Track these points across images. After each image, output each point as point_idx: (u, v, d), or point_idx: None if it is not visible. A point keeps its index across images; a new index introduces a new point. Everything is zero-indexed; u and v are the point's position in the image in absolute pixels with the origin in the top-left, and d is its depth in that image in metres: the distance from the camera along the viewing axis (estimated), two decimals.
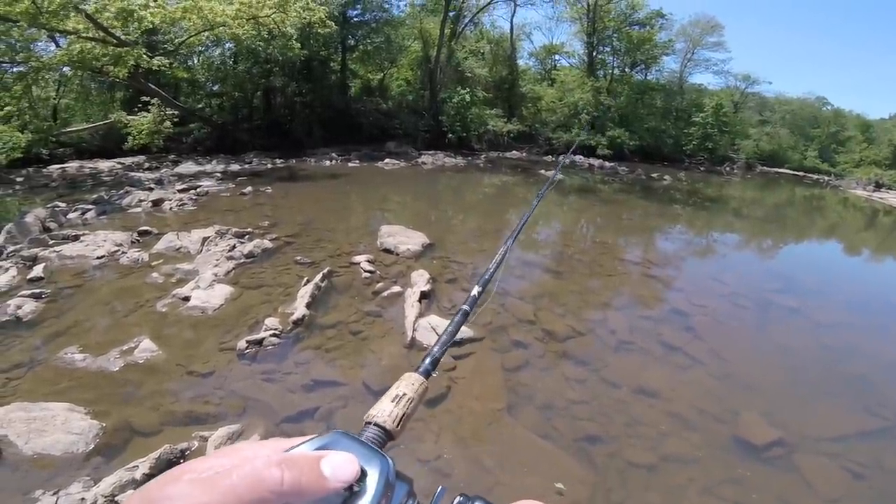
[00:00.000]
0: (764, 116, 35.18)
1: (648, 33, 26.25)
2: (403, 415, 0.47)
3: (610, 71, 28.18)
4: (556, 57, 32.27)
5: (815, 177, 30.52)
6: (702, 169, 27.02)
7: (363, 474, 0.37)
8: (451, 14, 23.29)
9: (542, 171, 18.52)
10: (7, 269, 5.20)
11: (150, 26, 12.58)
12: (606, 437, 3.17)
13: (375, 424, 0.46)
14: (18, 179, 11.77)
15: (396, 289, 5.09)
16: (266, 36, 15.17)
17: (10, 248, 5.91)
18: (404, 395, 0.50)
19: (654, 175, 20.65)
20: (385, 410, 0.47)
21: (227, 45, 17.50)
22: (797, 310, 5.87)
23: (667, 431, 3.28)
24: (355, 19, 21.44)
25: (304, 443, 0.39)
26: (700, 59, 31.02)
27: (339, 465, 0.35)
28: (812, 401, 3.88)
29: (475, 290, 0.73)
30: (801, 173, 31.18)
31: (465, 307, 0.70)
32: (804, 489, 2.90)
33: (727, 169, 28.58)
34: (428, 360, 0.57)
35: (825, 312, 5.94)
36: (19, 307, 4.25)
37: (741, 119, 32.36)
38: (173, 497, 0.31)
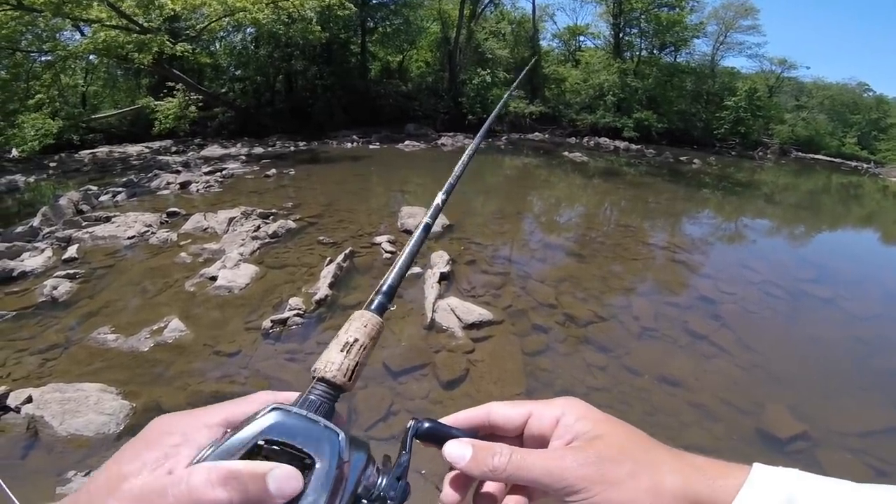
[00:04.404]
0: (800, 101, 33.55)
1: (678, 15, 25.22)
2: (356, 365, 0.43)
3: (637, 53, 27.26)
4: (581, 38, 31.35)
5: (854, 164, 29.09)
6: (733, 153, 26.05)
7: (312, 461, 0.35)
8: None
9: (566, 154, 18.18)
10: (43, 251, 5.41)
11: (172, 13, 12.74)
12: None
13: (323, 380, 0.41)
14: (52, 164, 12.17)
15: (416, 270, 5.09)
16: (286, 20, 15.16)
17: (46, 230, 6.14)
18: (356, 341, 0.44)
19: (683, 159, 20.04)
20: (334, 363, 0.42)
21: (248, 29, 17.59)
22: (830, 300, 5.65)
23: (688, 421, 3.22)
24: (374, 1, 21.24)
25: (242, 429, 0.36)
26: (733, 42, 29.64)
27: (284, 480, 0.33)
28: (841, 395, 3.75)
29: (439, 199, 0.63)
30: (838, 160, 29.74)
31: (428, 220, 0.59)
32: None
33: (760, 154, 27.50)
34: (383, 292, 0.49)
35: (860, 304, 5.69)
36: (55, 288, 4.41)
37: (776, 104, 30.96)
38: None
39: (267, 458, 0.35)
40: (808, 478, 0.38)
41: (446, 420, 0.46)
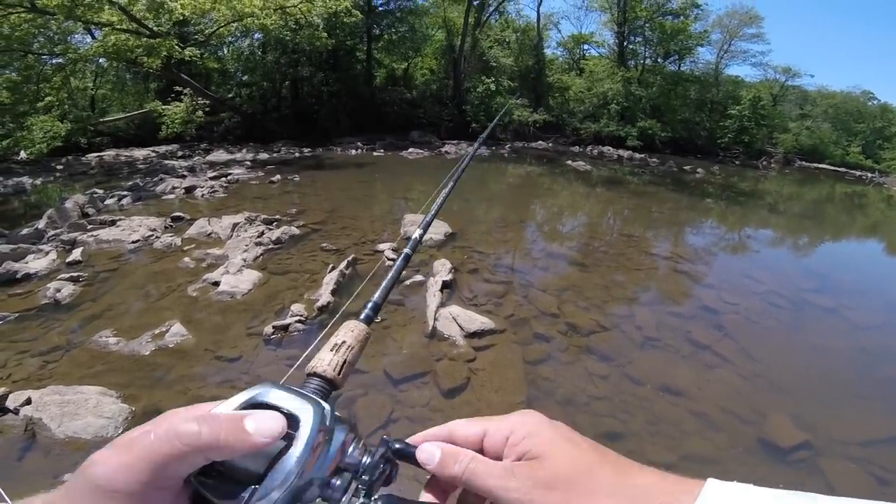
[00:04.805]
0: (804, 110, 33.57)
1: (683, 23, 25.35)
2: (344, 362, 0.47)
3: (641, 61, 27.36)
4: (585, 46, 31.52)
5: (858, 173, 29.01)
6: (737, 163, 26.03)
7: (297, 423, 0.37)
8: (475, 3, 22.99)
9: (569, 162, 18.20)
10: (48, 253, 5.44)
11: (181, 17, 12.89)
12: (627, 433, 3.12)
13: (316, 375, 0.45)
14: (59, 167, 12.28)
15: (419, 278, 5.10)
16: (293, 26, 15.32)
17: (51, 233, 6.18)
18: (344, 342, 0.49)
19: (687, 168, 20.03)
20: (325, 360, 0.46)
21: (256, 35, 17.77)
22: (834, 310, 5.62)
23: (690, 431, 3.20)
24: (380, 8, 21.43)
25: (233, 397, 0.38)
26: (737, 50, 29.82)
27: (263, 420, 0.35)
28: (844, 404, 3.73)
29: (417, 234, 0.72)
30: (842, 169, 29.68)
31: (408, 251, 0.68)
32: (826, 493, 2.80)
33: (764, 163, 27.48)
34: (369, 307, 0.56)
35: (863, 314, 5.66)
36: (58, 290, 4.44)
37: (780, 112, 31.01)
38: (97, 461, 0.32)
39: None
40: (763, 494, 0.36)
41: (411, 440, 0.46)
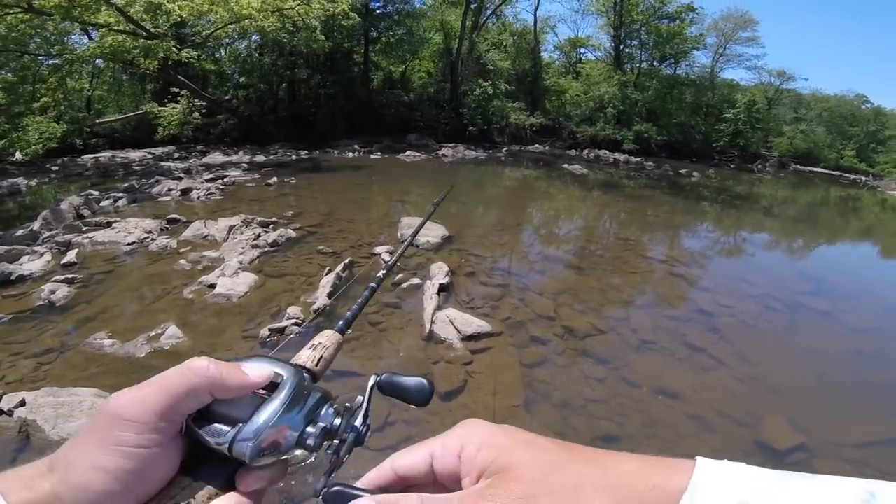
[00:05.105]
0: (799, 114, 33.85)
1: (678, 27, 25.53)
2: (321, 357, 0.53)
3: (637, 65, 27.53)
4: (582, 50, 31.69)
5: (852, 177, 29.24)
6: (732, 166, 26.19)
7: (280, 378, 0.43)
8: (472, 6, 23.09)
9: (565, 166, 18.26)
10: (42, 255, 5.41)
11: (179, 19, 12.88)
12: (623, 436, 3.12)
13: (296, 365, 0.50)
14: (54, 168, 12.23)
15: (416, 281, 5.10)
16: (291, 28, 15.34)
17: (46, 234, 6.15)
18: (321, 343, 0.55)
19: (682, 171, 20.14)
20: (304, 355, 0.52)
21: (254, 37, 17.79)
22: (828, 313, 5.66)
23: (686, 433, 3.21)
24: (378, 11, 21.48)
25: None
26: (732, 54, 30.08)
27: (256, 366, 0.43)
28: (839, 406, 3.75)
29: (381, 273, 0.80)
30: (836, 173, 29.91)
31: (373, 284, 0.76)
32: None
33: (759, 166, 27.65)
34: (342, 321, 0.63)
35: (858, 317, 5.69)
36: (53, 292, 4.41)
37: (775, 116, 31.24)
38: (118, 395, 0.36)
39: None
40: (760, 474, 0.32)
41: (359, 483, 0.43)
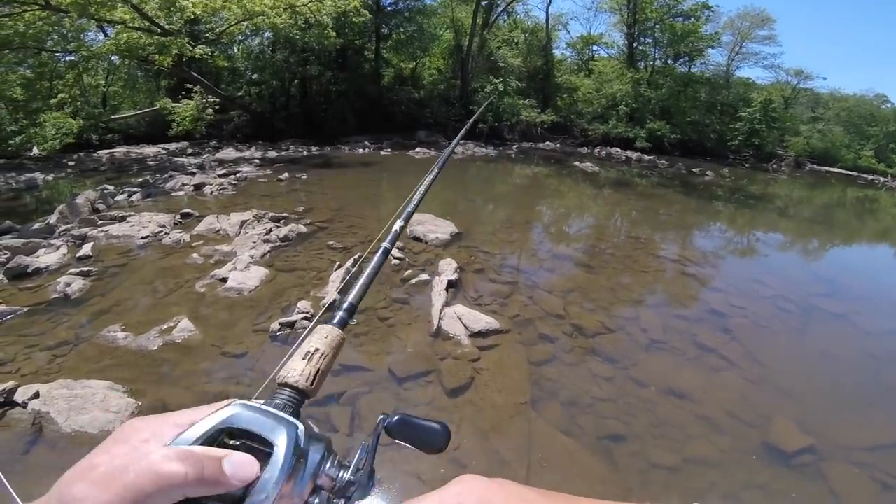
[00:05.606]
0: (816, 113, 33.12)
1: (693, 25, 25.12)
2: (317, 371, 0.45)
3: (651, 62, 27.15)
4: (594, 47, 31.35)
5: (870, 177, 28.56)
6: (746, 165, 25.77)
7: (271, 447, 0.37)
8: (483, 3, 22.95)
9: (577, 163, 18.13)
10: (58, 248, 5.51)
11: (192, 16, 13.00)
12: (630, 436, 3.11)
13: (287, 385, 0.44)
14: (70, 163, 12.41)
15: (424, 277, 5.11)
16: (303, 25, 15.38)
17: (62, 228, 6.26)
18: (317, 350, 0.47)
19: (696, 170, 19.87)
20: (296, 369, 0.45)
21: (266, 34, 17.87)
22: (843, 316, 5.56)
23: (693, 434, 3.18)
24: (389, 8, 21.49)
25: (202, 419, 0.38)
26: (748, 52, 29.50)
27: (240, 464, 0.36)
28: (850, 409, 3.69)
29: (397, 225, 0.71)
30: (854, 173, 29.24)
31: (387, 244, 0.68)
32: (828, 497, 2.79)
33: (774, 166, 27.16)
34: (344, 309, 0.53)
35: (873, 320, 5.59)
36: (68, 285, 4.49)
37: (791, 115, 30.61)
38: (78, 498, 0.32)
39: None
40: None
41: None
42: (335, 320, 0.52)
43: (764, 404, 3.56)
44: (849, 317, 5.54)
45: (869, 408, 3.73)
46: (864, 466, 3.02)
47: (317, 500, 0.38)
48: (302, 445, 0.38)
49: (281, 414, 0.40)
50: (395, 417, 0.45)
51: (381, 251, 0.65)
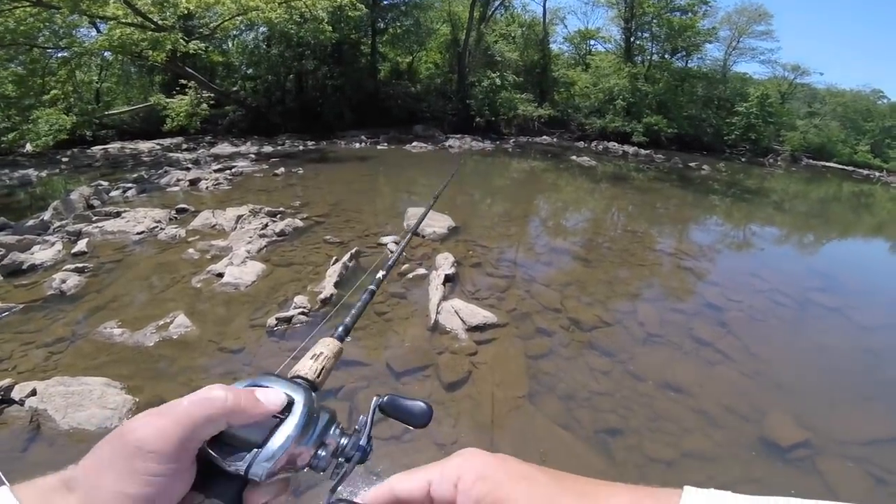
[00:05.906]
0: (813, 108, 33.19)
1: (691, 20, 25.02)
2: (322, 368, 0.56)
3: (648, 57, 27.06)
4: (592, 42, 31.20)
5: (866, 172, 28.63)
6: (743, 160, 25.79)
7: (291, 402, 0.45)
8: None
9: (574, 157, 18.12)
10: (53, 244, 5.48)
11: (186, 11, 12.88)
12: (627, 430, 3.12)
13: (299, 376, 0.54)
14: (64, 160, 12.34)
15: (421, 271, 5.11)
16: (298, 19, 15.26)
17: (57, 224, 6.22)
18: (322, 353, 0.58)
19: (692, 164, 19.90)
20: (306, 366, 0.56)
21: (261, 29, 17.74)
22: (838, 310, 5.59)
23: (690, 427, 3.20)
24: (385, 2, 21.36)
25: (238, 383, 0.47)
26: (746, 47, 29.46)
27: (270, 394, 0.45)
28: (845, 404, 3.71)
29: (380, 274, 0.87)
30: (850, 168, 29.32)
31: (372, 287, 0.82)
32: (823, 491, 2.80)
33: (770, 161, 27.20)
34: (341, 328, 0.67)
35: (868, 314, 5.62)
36: (63, 281, 4.46)
37: (788, 110, 30.63)
38: (136, 426, 0.38)
39: None
40: (742, 501, 0.33)
41: (358, 500, 0.45)
42: (335, 335, 0.64)
43: (760, 398, 3.58)
44: (844, 311, 5.57)
45: (864, 402, 3.75)
46: (859, 461, 3.04)
47: (323, 453, 0.46)
48: (315, 407, 0.47)
49: (300, 381, 0.52)
50: (386, 398, 0.54)
51: (366, 292, 0.79)
